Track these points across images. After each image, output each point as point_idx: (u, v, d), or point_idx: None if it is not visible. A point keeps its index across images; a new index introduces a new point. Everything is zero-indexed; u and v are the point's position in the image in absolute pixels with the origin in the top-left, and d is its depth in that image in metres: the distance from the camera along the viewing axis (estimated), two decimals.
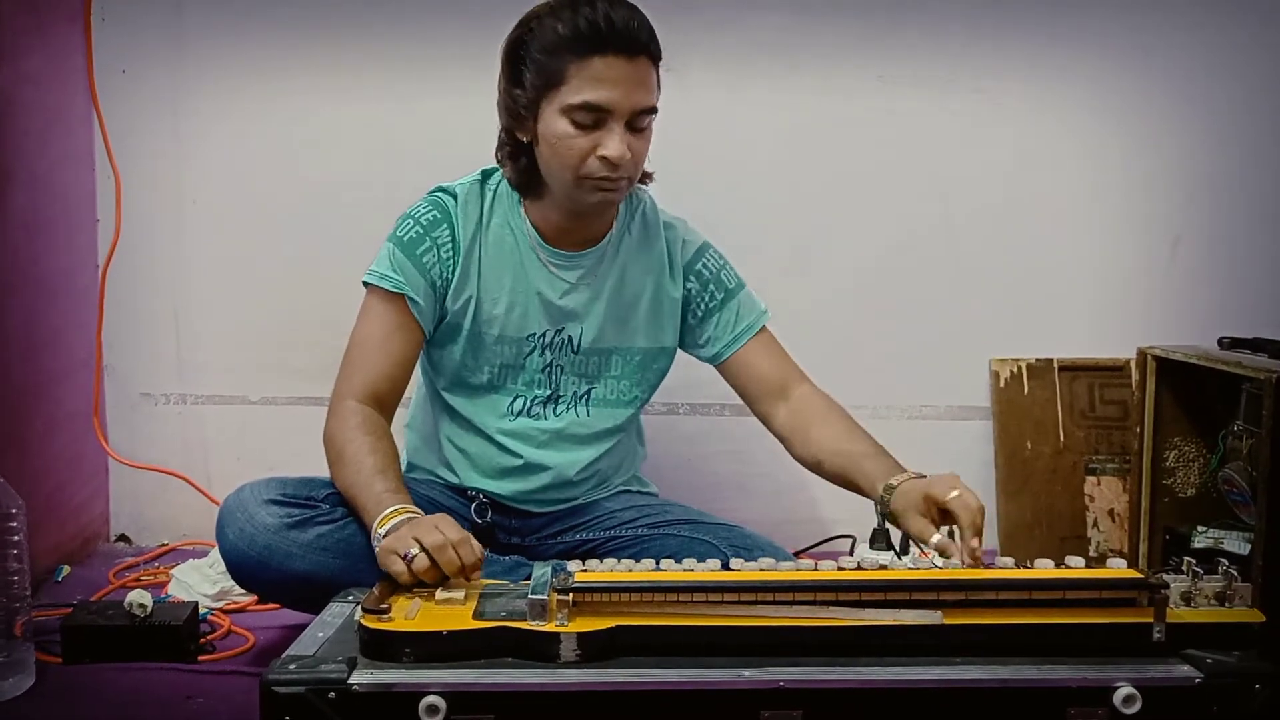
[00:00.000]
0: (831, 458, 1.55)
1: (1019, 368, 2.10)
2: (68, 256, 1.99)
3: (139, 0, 2.03)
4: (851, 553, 1.84)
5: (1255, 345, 1.69)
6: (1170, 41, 2.07)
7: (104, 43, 2.02)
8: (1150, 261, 2.11)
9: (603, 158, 1.45)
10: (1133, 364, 1.92)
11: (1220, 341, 1.76)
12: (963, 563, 1.29)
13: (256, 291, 2.09)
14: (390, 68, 2.04)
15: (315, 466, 1.52)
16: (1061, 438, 2.07)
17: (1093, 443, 2.06)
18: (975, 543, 1.29)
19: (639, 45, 1.43)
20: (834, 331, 2.11)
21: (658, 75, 1.49)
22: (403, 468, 1.63)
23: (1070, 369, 2.09)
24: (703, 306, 1.66)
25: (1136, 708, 1.08)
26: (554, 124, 1.46)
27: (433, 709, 1.06)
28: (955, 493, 1.33)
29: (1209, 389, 1.80)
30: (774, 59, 2.06)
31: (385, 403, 1.54)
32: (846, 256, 2.11)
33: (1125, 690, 1.08)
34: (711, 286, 1.66)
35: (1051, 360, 2.10)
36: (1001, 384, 2.09)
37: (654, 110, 1.48)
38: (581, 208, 1.54)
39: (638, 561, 1.26)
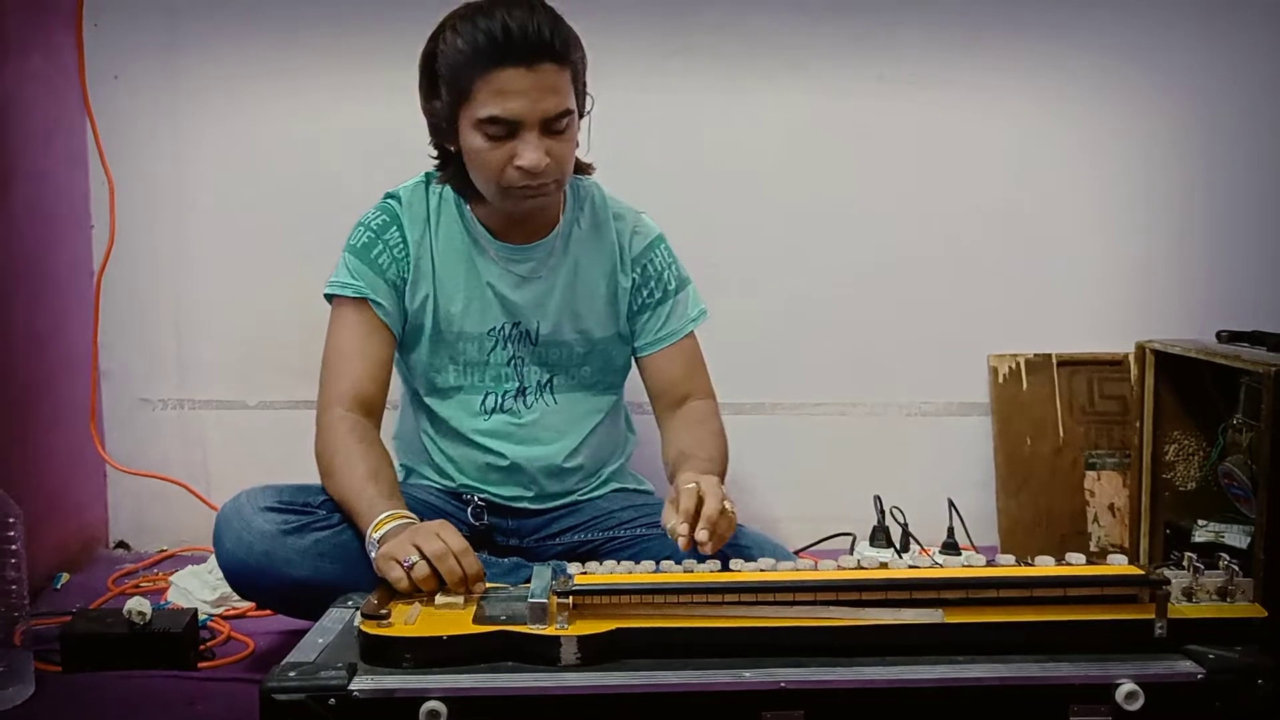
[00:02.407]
0: (671, 459, 1.58)
1: (1017, 363, 2.10)
2: (63, 262, 1.99)
3: (131, 5, 2.02)
4: (851, 551, 1.84)
5: (1254, 338, 1.69)
6: (1167, 38, 2.07)
7: (96, 48, 2.01)
8: (1148, 256, 2.11)
9: (519, 168, 1.45)
10: (1131, 358, 1.92)
11: (1219, 335, 1.76)
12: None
13: (253, 295, 2.09)
14: (386, 68, 2.03)
15: (314, 471, 1.51)
16: (1061, 433, 2.06)
17: (1092, 438, 2.06)
18: (704, 534, 1.28)
19: (540, 52, 1.41)
20: (833, 329, 2.11)
21: (574, 72, 1.47)
22: (399, 475, 1.63)
23: (1069, 364, 2.09)
24: (639, 301, 1.67)
25: (1139, 704, 1.08)
26: (469, 138, 1.47)
27: (434, 714, 1.06)
28: (690, 485, 1.34)
29: (1208, 383, 1.79)
30: (775, 59, 2.06)
31: (371, 407, 1.54)
32: (844, 254, 2.11)
33: (1128, 687, 1.08)
34: (652, 283, 1.66)
35: (1050, 355, 2.10)
36: (1000, 380, 2.09)
37: (568, 112, 1.46)
38: (514, 213, 1.55)
39: (637, 563, 1.26)
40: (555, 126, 1.46)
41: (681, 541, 1.29)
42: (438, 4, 1.54)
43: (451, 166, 1.57)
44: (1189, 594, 1.20)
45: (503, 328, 1.62)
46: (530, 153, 1.44)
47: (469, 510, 1.64)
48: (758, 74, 2.06)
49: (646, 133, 2.06)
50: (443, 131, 1.53)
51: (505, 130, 1.44)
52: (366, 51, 2.04)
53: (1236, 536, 1.68)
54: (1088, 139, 2.08)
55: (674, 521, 1.33)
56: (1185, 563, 1.23)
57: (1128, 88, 2.07)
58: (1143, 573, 1.19)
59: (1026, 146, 2.09)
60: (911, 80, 2.06)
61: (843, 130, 2.09)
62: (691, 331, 1.68)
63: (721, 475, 1.53)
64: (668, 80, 2.05)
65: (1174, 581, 1.19)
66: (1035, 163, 2.10)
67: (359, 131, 2.05)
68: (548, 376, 1.65)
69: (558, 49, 1.43)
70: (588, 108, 1.55)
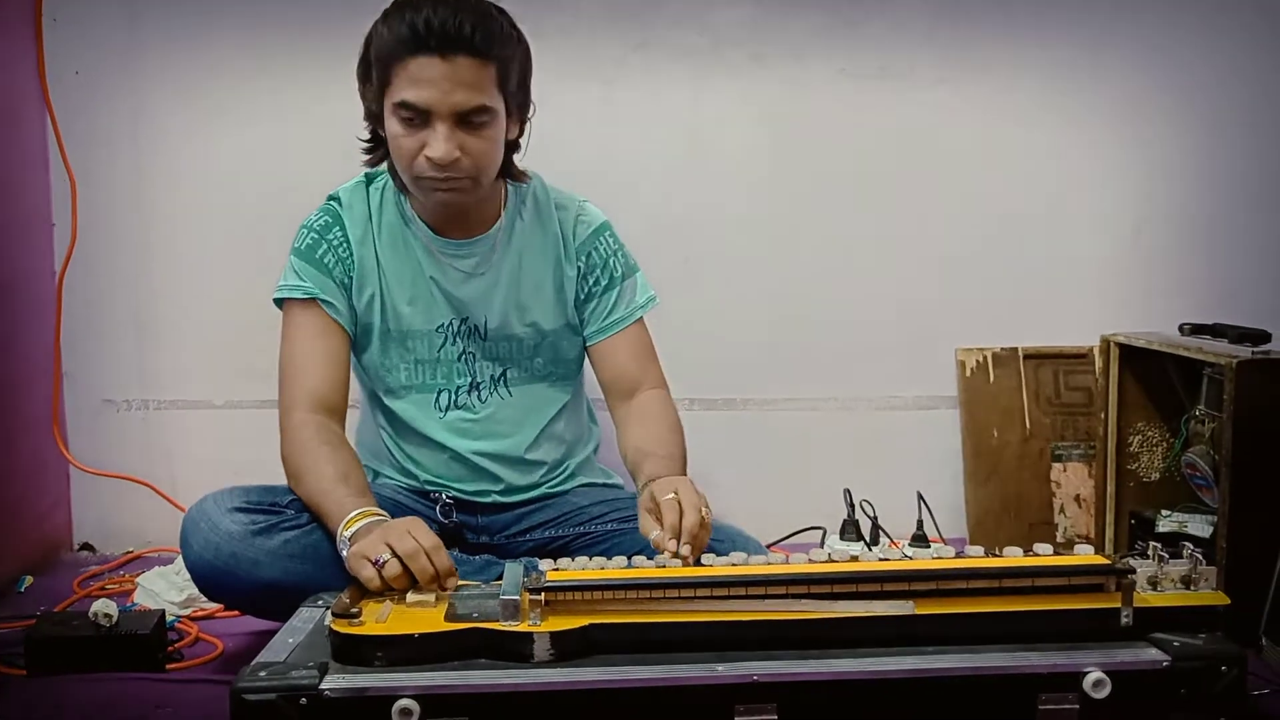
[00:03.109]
0: (630, 454, 1.58)
1: (984, 357, 2.11)
2: (24, 262, 1.96)
3: (91, 0, 2.00)
4: (822, 544, 1.85)
5: (1215, 331, 1.71)
6: (1125, 32, 2.09)
7: (55, 43, 1.99)
8: (1112, 250, 2.13)
9: (428, 158, 1.45)
10: (1096, 351, 1.94)
11: (1181, 328, 1.78)
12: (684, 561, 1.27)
13: (218, 293, 2.07)
14: (348, 66, 2.02)
15: (282, 471, 1.50)
16: (1028, 425, 2.08)
17: (1058, 429, 2.08)
18: (686, 549, 1.28)
19: (456, 44, 1.41)
20: (804, 325, 2.12)
21: (501, 71, 1.46)
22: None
23: (1035, 357, 2.11)
24: (585, 289, 1.66)
25: (1106, 692, 1.09)
26: (389, 123, 1.48)
27: (406, 712, 1.06)
28: (670, 495, 1.34)
29: (1171, 375, 1.82)
30: (738, 54, 2.07)
31: (333, 408, 1.53)
32: (815, 251, 2.11)
33: (1095, 675, 1.10)
34: (598, 271, 1.66)
35: (1016, 349, 2.12)
36: (968, 373, 2.11)
37: (485, 109, 1.46)
38: (427, 205, 1.55)
39: (609, 558, 1.26)
40: (471, 121, 1.45)
41: (668, 554, 1.29)
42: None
43: (380, 150, 1.57)
44: (1154, 583, 1.22)
45: (451, 323, 1.62)
46: (439, 143, 1.44)
47: (437, 508, 1.64)
48: (721, 67, 2.06)
49: (621, 131, 2.06)
50: (374, 116, 1.53)
51: (417, 116, 1.44)
52: (334, 50, 2.00)
53: (1199, 525, 1.70)
54: (1050, 132, 2.10)
55: (657, 533, 1.32)
56: (1150, 552, 1.24)
57: (1086, 81, 2.08)
58: (1109, 562, 1.20)
59: (990, 140, 2.10)
60: (875, 74, 2.07)
61: (806, 125, 2.09)
62: (641, 320, 1.68)
63: (682, 469, 1.53)
64: (630, 75, 2.05)
65: (1139, 570, 1.21)
66: (999, 156, 2.11)
67: (324, 130, 2.02)
68: (500, 370, 1.65)
69: (477, 44, 1.42)
70: (530, 113, 1.55)
